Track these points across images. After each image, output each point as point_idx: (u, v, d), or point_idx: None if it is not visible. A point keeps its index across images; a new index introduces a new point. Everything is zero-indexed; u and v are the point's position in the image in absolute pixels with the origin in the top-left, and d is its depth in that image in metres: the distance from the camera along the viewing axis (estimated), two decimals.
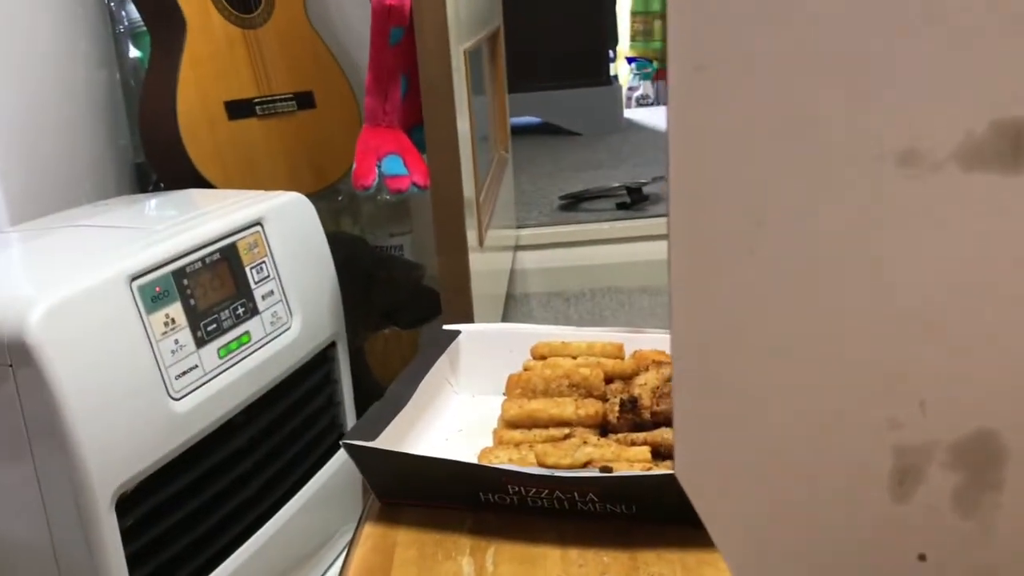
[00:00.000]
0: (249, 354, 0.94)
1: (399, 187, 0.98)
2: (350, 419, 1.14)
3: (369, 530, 0.59)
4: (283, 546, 1.00)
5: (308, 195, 1.57)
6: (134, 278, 0.82)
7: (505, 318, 1.77)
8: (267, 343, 0.97)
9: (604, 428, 0.65)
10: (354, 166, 1.01)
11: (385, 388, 1.52)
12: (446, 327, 0.77)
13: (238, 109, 1.55)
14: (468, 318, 1.16)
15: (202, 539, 0.89)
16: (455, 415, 0.71)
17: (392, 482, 0.60)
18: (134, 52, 1.78)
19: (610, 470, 0.57)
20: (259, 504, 0.97)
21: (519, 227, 1.97)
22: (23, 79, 1.31)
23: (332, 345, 1.10)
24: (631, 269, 1.95)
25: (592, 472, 0.56)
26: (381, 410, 0.64)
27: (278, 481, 1.00)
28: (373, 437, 0.60)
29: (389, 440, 0.61)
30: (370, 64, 0.96)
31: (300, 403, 1.04)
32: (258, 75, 1.61)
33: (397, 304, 1.35)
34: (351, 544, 0.59)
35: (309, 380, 1.06)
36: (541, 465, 0.59)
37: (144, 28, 1.63)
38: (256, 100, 1.57)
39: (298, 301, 1.02)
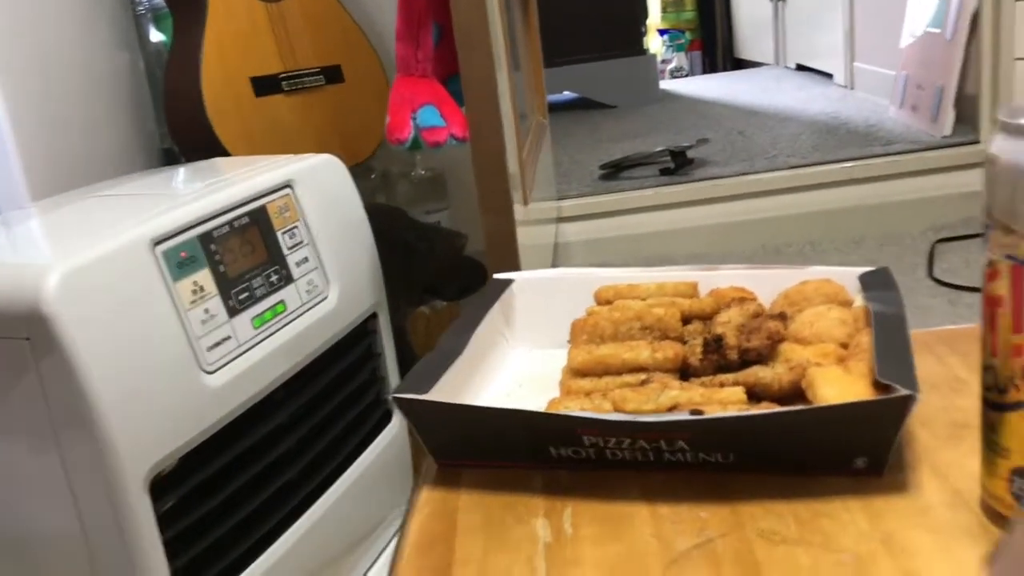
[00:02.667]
0: (285, 324, 0.88)
1: (436, 139, 0.91)
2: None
3: (427, 495, 0.52)
4: (330, 530, 0.94)
5: None
6: (157, 242, 0.76)
7: None
8: (304, 313, 0.90)
9: (685, 372, 0.57)
10: (387, 119, 0.94)
11: None
12: (497, 276, 0.69)
13: (264, 85, 1.49)
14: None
15: (244, 523, 0.83)
16: (514, 370, 0.64)
17: (450, 440, 0.53)
18: (157, 36, 1.72)
19: (701, 413, 0.49)
20: (304, 485, 0.91)
21: (560, 199, 1.89)
22: (43, 65, 1.26)
23: (373, 316, 1.03)
24: (679, 236, 1.87)
25: (682, 415, 0.49)
26: (432, 362, 0.56)
27: (323, 461, 0.94)
28: (426, 390, 0.52)
29: (443, 394, 0.53)
30: (399, 8, 0.89)
31: (342, 378, 0.97)
32: (283, 50, 1.55)
33: (440, 275, 1.28)
34: (408, 512, 0.52)
35: (350, 354, 0.99)
36: (619, 412, 0.51)
37: (166, 10, 1.58)
38: (282, 75, 1.51)
39: (335, 269, 0.96)
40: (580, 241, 1.88)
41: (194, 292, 0.78)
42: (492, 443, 0.52)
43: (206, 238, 0.81)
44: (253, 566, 0.83)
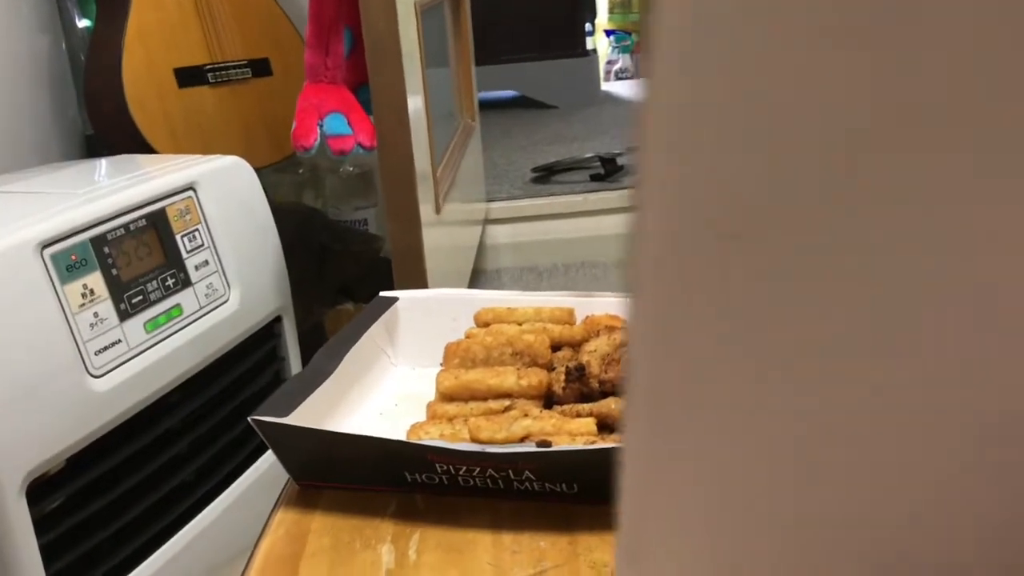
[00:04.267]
0: (180, 328, 0.87)
1: (342, 148, 0.91)
2: None
3: (281, 516, 0.53)
4: (212, 542, 0.94)
5: (266, 167, 1.50)
6: (45, 245, 0.75)
7: None
8: (201, 316, 0.90)
9: (550, 399, 0.58)
10: (294, 125, 0.94)
11: None
12: (383, 294, 0.70)
13: (189, 76, 1.47)
14: (421, 275, 1.10)
15: (128, 528, 0.83)
16: (392, 388, 0.65)
17: (307, 462, 0.54)
18: (83, 22, 1.69)
19: (549, 444, 0.50)
20: (196, 490, 0.91)
21: (489, 200, 1.90)
22: None
23: (278, 320, 1.04)
24: (606, 242, 1.88)
25: (528, 447, 0.50)
26: (299, 383, 0.57)
27: (217, 465, 0.94)
28: (286, 412, 0.53)
29: (306, 416, 0.54)
30: (310, 16, 0.89)
31: (242, 381, 0.97)
32: (210, 41, 1.53)
33: (354, 278, 1.28)
34: (262, 532, 0.53)
35: (252, 357, 0.99)
36: (474, 440, 0.52)
37: None
38: (208, 67, 1.50)
39: (237, 272, 0.96)
40: (508, 244, 1.89)
41: (83, 296, 0.78)
42: (349, 467, 0.53)
43: (99, 241, 0.80)
44: (135, 572, 0.83)
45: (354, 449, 0.52)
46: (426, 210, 1.04)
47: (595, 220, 1.88)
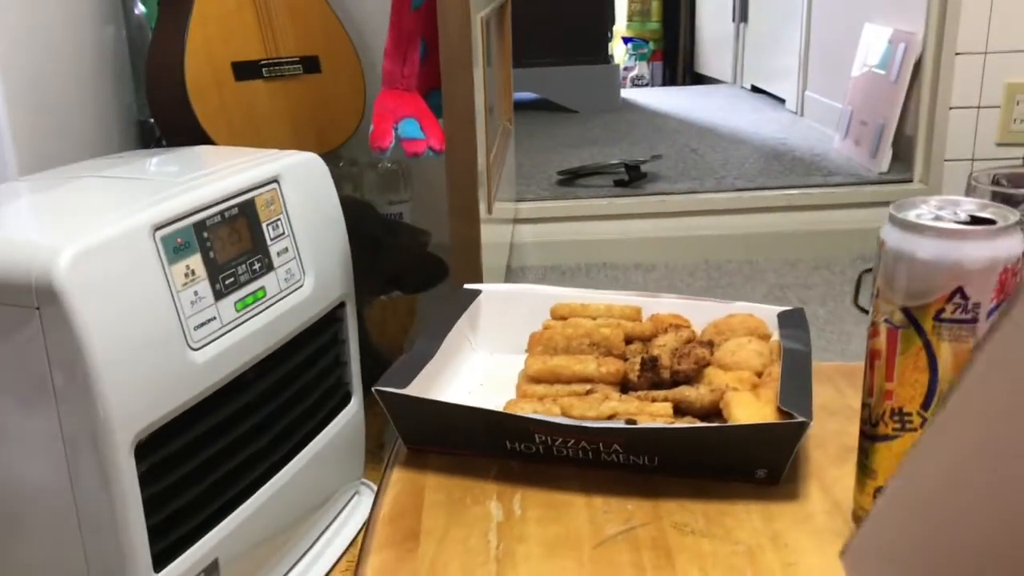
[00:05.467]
0: (264, 309, 0.96)
1: (415, 150, 0.99)
2: (355, 379, 1.16)
3: (399, 474, 0.61)
4: (289, 498, 1.02)
5: None
6: (157, 228, 0.83)
7: None
8: (281, 299, 0.98)
9: (624, 386, 0.67)
10: (371, 128, 1.02)
11: (382, 353, 1.53)
12: (467, 286, 0.78)
13: (245, 70, 1.55)
14: (477, 269, 1.18)
15: (214, 487, 0.91)
16: (475, 371, 0.73)
17: (420, 429, 0.62)
18: (140, 8, 1.77)
19: (634, 423, 0.59)
20: (268, 457, 0.99)
21: (518, 201, 1.98)
22: (32, 36, 1.31)
23: (341, 305, 1.12)
24: (626, 246, 1.97)
25: (618, 424, 0.58)
26: (409, 362, 0.65)
27: (286, 436, 1.02)
28: (404, 385, 0.61)
29: (417, 389, 0.62)
30: (391, 27, 0.97)
31: (309, 361, 1.06)
32: (265, 37, 1.61)
33: (403, 269, 1.36)
34: (380, 488, 0.61)
35: (319, 338, 1.07)
36: (567, 416, 0.61)
37: None
38: (263, 62, 1.58)
39: (311, 259, 1.04)
40: (534, 243, 1.98)
41: (186, 276, 0.86)
42: (456, 434, 0.61)
43: (200, 226, 0.88)
44: (220, 526, 0.91)
45: (465, 419, 0.60)
46: (483, 209, 1.12)
47: (618, 224, 1.96)
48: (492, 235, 1.25)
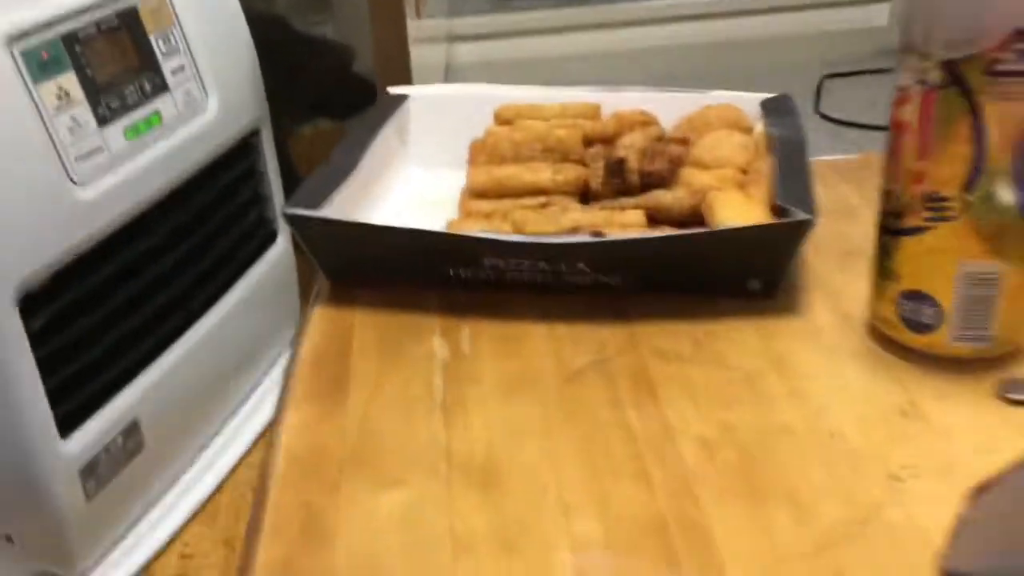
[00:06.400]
0: (161, 137, 0.82)
1: None
2: (279, 215, 1.04)
3: (320, 313, 0.51)
4: (212, 351, 0.92)
5: None
6: (14, 39, 0.69)
7: None
8: (181, 126, 0.85)
9: (586, 196, 0.56)
10: None
11: None
12: (391, 90, 0.66)
13: None
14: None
15: (123, 342, 0.80)
16: (409, 190, 0.62)
17: (344, 258, 0.51)
18: None
19: (602, 235, 0.48)
20: (183, 306, 0.88)
21: (452, 16, 1.81)
22: None
23: (255, 132, 0.98)
24: (573, 63, 1.83)
25: (583, 237, 0.48)
26: (324, 177, 0.54)
27: (202, 282, 0.91)
28: (317, 205, 0.50)
29: (337, 211, 0.51)
30: None
31: (223, 196, 0.93)
32: None
33: (326, 92, 1.22)
34: (299, 330, 0.51)
35: (231, 171, 0.94)
36: (520, 234, 0.50)
37: None
38: None
39: (214, 79, 0.90)
40: (473, 63, 1.82)
41: (59, 97, 0.72)
42: (388, 263, 0.51)
43: (70, 39, 0.74)
44: (134, 384, 0.81)
45: (397, 243, 0.49)
46: (409, 11, 0.98)
47: (564, 39, 1.81)
48: (423, 55, 1.11)
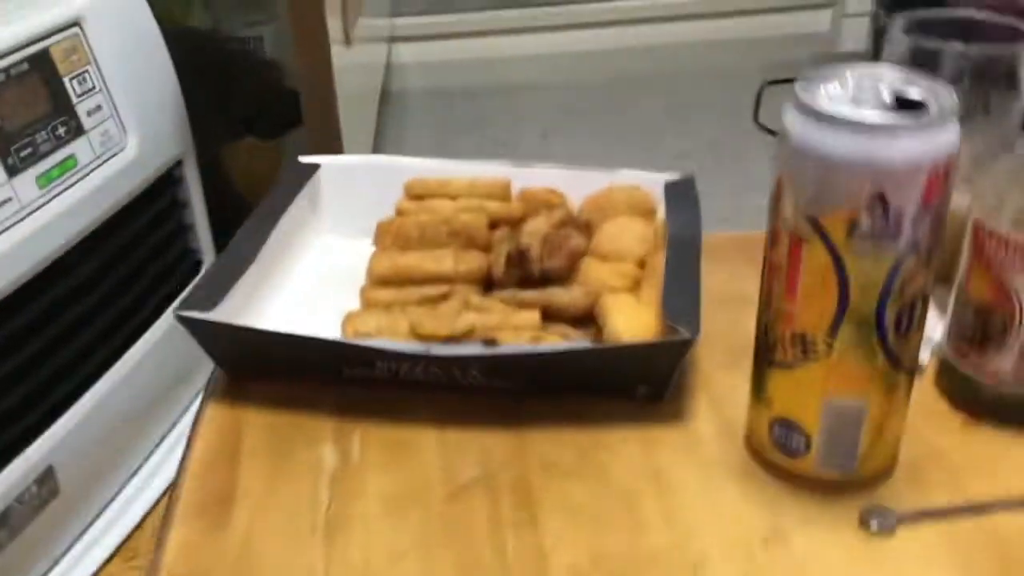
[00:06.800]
0: (76, 181, 0.81)
1: None
2: (205, 244, 1.03)
3: (213, 411, 0.51)
4: (131, 391, 0.91)
5: None
6: None
7: (381, 120, 1.64)
8: (98, 167, 0.84)
9: (489, 283, 0.57)
10: None
11: (249, 202, 1.40)
12: (303, 159, 0.66)
13: None
14: (333, 124, 1.05)
15: (36, 391, 0.79)
16: (319, 262, 0.62)
17: (240, 357, 0.52)
18: None
19: (495, 342, 0.49)
20: (102, 348, 0.87)
21: (394, 16, 1.79)
22: None
23: (178, 164, 0.97)
24: (517, 64, 1.82)
25: (474, 347, 0.49)
26: (222, 267, 0.54)
27: (125, 318, 0.90)
28: (212, 305, 0.50)
29: (235, 304, 0.51)
30: None
31: (145, 232, 0.92)
32: None
33: (255, 109, 1.21)
34: (194, 424, 0.51)
35: (153, 205, 0.93)
36: (416, 335, 0.51)
37: None
38: None
39: (133, 116, 0.88)
40: (416, 63, 1.81)
41: None
42: (283, 362, 0.51)
43: None
44: (49, 432, 0.81)
45: (289, 347, 0.49)
46: (335, 30, 0.97)
47: (506, 40, 1.80)
48: (355, 57, 1.10)
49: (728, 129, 1.70)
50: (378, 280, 0.56)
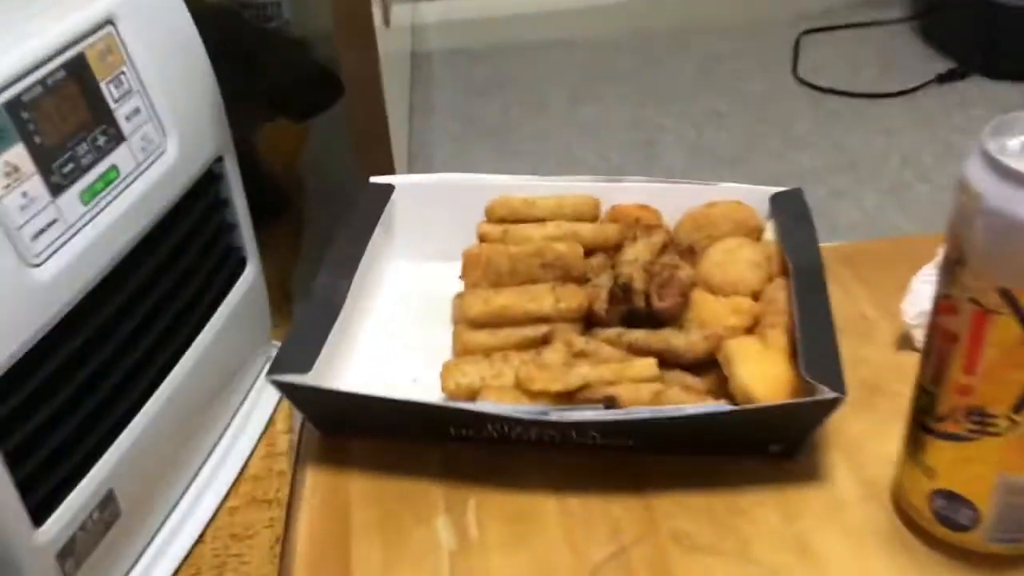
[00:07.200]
0: (119, 193, 0.76)
1: None
2: (248, 241, 0.99)
3: (314, 480, 0.48)
4: (184, 400, 0.88)
5: None
6: None
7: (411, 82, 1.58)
8: (140, 175, 0.79)
9: (589, 319, 0.53)
10: None
11: (278, 179, 1.34)
12: (375, 181, 0.61)
13: None
14: (379, 110, 1.00)
15: (92, 416, 0.76)
16: (400, 287, 0.58)
17: (340, 420, 0.48)
18: None
19: (615, 401, 0.45)
20: (153, 363, 0.84)
21: None
22: None
23: (219, 160, 0.92)
24: (541, 20, 1.75)
25: (594, 410, 0.45)
26: (312, 320, 0.50)
27: (172, 332, 0.86)
28: (308, 365, 0.46)
29: (330, 362, 0.48)
30: None
31: (189, 236, 0.88)
32: None
33: (286, 91, 1.15)
34: (290, 500, 0.48)
35: (196, 207, 0.89)
36: (524, 391, 0.47)
37: None
38: None
39: (172, 115, 0.83)
40: (439, 23, 1.74)
41: (7, 175, 0.66)
42: (384, 425, 0.48)
43: (14, 105, 0.67)
44: (107, 455, 0.78)
45: (394, 411, 0.46)
46: (377, 18, 0.92)
47: None
48: (394, 40, 1.04)
49: (765, 84, 1.64)
50: (474, 322, 0.52)
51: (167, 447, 0.87)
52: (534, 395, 0.46)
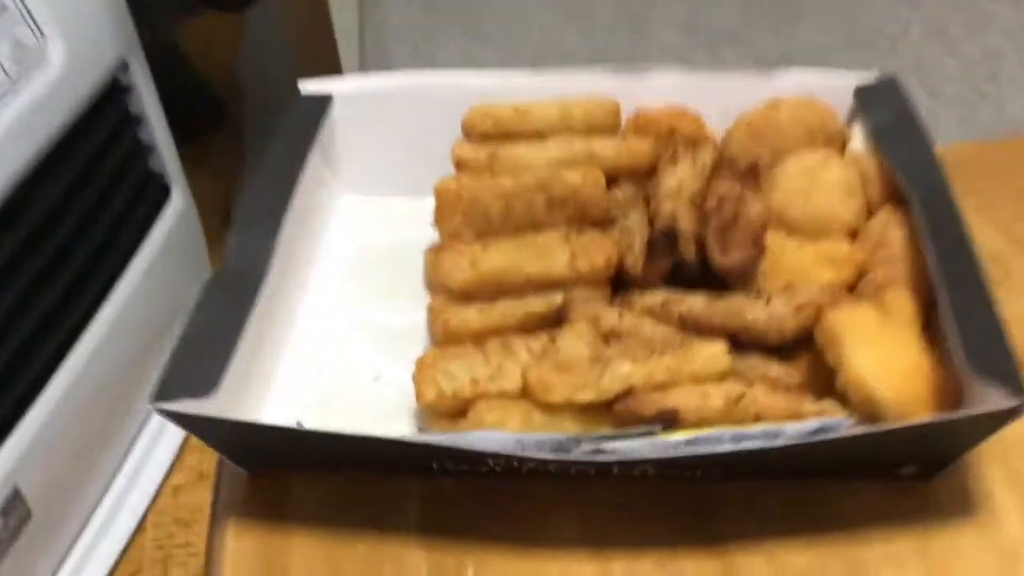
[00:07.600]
0: None
1: None
2: (170, 164, 0.82)
3: (237, 539, 0.33)
4: (116, 349, 0.73)
5: None
6: None
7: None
8: (14, 91, 0.62)
9: (618, 281, 0.37)
10: None
11: (213, 86, 1.16)
12: (304, 86, 0.44)
13: None
14: None
15: (11, 367, 0.61)
16: (343, 242, 0.43)
17: (265, 455, 0.33)
18: None
19: (675, 416, 0.30)
20: (70, 308, 0.68)
21: None
22: None
23: (124, 67, 0.74)
24: None
25: (645, 435, 0.30)
26: (218, 305, 0.34)
27: (88, 275, 0.70)
28: (210, 383, 0.31)
29: (243, 368, 0.32)
30: None
31: (92, 165, 0.71)
32: None
33: None
34: (209, 547, 0.33)
35: (98, 128, 0.71)
36: (539, 401, 0.32)
37: None
38: None
39: (53, 14, 0.65)
40: None
41: None
42: (335, 460, 0.33)
43: None
44: (11, 440, 0.63)
45: (344, 446, 0.31)
46: None
47: None
48: None
49: None
50: (458, 292, 0.37)
51: (88, 423, 0.72)
52: (553, 408, 0.31)
